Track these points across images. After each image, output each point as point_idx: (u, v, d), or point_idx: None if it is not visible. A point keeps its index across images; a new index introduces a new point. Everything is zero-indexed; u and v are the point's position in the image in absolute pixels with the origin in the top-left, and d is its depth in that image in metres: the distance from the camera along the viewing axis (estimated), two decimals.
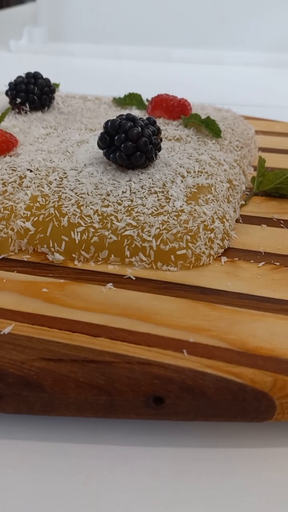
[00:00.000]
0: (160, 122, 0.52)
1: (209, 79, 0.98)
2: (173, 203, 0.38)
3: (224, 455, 0.29)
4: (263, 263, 0.37)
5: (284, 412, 0.28)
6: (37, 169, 0.42)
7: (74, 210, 0.37)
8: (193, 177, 0.41)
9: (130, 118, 0.41)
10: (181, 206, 0.37)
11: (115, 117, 0.42)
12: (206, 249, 0.37)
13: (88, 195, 0.38)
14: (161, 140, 0.42)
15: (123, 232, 0.36)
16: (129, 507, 0.26)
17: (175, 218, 0.37)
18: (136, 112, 0.56)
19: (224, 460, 0.28)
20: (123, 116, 0.41)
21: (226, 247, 0.39)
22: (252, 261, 0.37)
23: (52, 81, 0.59)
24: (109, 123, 0.41)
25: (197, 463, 0.28)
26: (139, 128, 0.40)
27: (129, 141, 0.40)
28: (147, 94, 0.58)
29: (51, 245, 0.37)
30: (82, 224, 0.37)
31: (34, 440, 0.29)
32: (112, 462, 0.28)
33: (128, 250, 0.36)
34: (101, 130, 0.42)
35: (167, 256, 0.36)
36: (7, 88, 0.56)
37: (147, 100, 0.57)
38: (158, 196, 0.38)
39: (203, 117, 0.50)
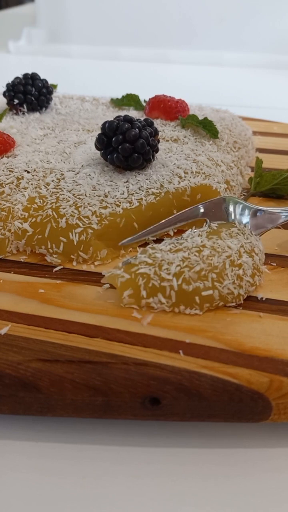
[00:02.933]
0: (157, 123, 0.52)
1: (207, 80, 0.99)
2: (192, 239, 0.34)
3: (220, 455, 0.29)
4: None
5: (280, 412, 0.28)
6: (35, 170, 0.42)
7: (72, 212, 0.37)
8: (190, 178, 0.41)
9: (127, 119, 0.41)
10: (201, 241, 0.34)
11: (112, 118, 0.42)
12: (235, 288, 0.32)
13: (86, 196, 0.39)
14: (158, 141, 0.42)
15: (136, 270, 0.32)
16: (126, 508, 0.26)
17: (197, 254, 0.33)
18: (133, 113, 0.56)
19: (221, 461, 0.28)
20: (121, 118, 0.41)
21: (258, 285, 0.34)
22: None
23: (51, 82, 0.59)
24: (107, 124, 0.41)
25: (194, 463, 0.28)
26: (137, 129, 0.40)
27: (127, 143, 0.40)
28: (145, 95, 0.58)
29: (49, 246, 0.37)
30: (80, 225, 0.37)
31: (30, 440, 0.29)
32: (109, 463, 0.28)
33: (144, 290, 0.32)
34: (99, 131, 0.42)
35: (191, 298, 0.32)
36: (4, 89, 0.56)
37: (145, 101, 0.58)
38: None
39: (200, 118, 0.50)
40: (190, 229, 0.37)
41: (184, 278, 0.32)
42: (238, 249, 0.34)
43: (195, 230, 0.36)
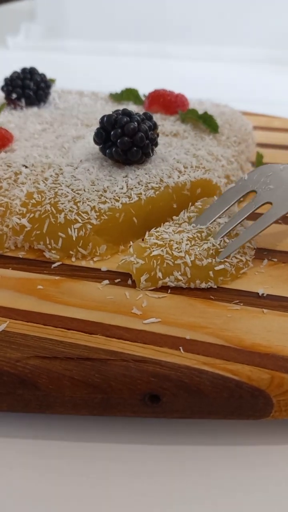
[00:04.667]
0: (157, 117, 0.51)
1: (207, 75, 0.98)
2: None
3: (221, 452, 0.28)
4: (260, 259, 0.37)
5: (282, 409, 0.28)
6: (33, 165, 0.42)
7: (71, 207, 0.37)
8: (190, 173, 0.41)
9: (126, 113, 0.40)
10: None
11: (111, 113, 0.41)
12: (241, 255, 0.35)
13: (85, 191, 0.38)
14: (157, 135, 0.42)
15: (150, 253, 0.34)
16: (125, 506, 0.26)
17: (199, 234, 0.36)
18: (133, 108, 0.55)
19: (221, 458, 0.28)
20: (119, 111, 0.41)
21: (255, 247, 0.37)
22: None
23: (49, 77, 0.58)
24: (105, 118, 0.40)
25: (195, 460, 0.28)
26: (136, 123, 0.40)
27: (126, 136, 0.39)
28: (144, 90, 0.58)
29: (47, 242, 0.37)
30: (79, 220, 0.36)
31: (29, 438, 0.29)
32: (108, 461, 0.28)
33: (160, 271, 0.33)
34: (97, 126, 0.42)
35: (205, 272, 0.34)
36: (2, 83, 0.55)
37: (144, 95, 0.57)
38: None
39: (200, 112, 0.50)
40: (182, 212, 0.39)
41: (195, 255, 0.34)
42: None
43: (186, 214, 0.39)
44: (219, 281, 0.34)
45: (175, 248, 0.34)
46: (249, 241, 0.37)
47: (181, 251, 0.34)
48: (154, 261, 0.33)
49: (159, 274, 0.33)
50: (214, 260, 0.34)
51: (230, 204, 0.38)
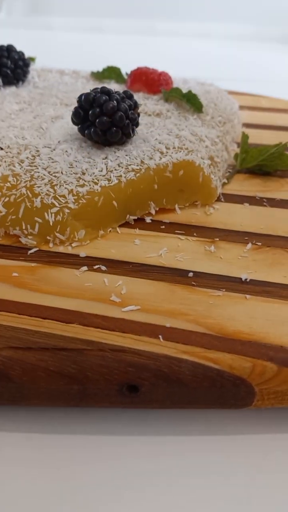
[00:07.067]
0: (139, 96, 0.50)
1: (193, 52, 0.95)
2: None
3: (203, 443, 0.28)
4: (244, 243, 0.36)
5: (264, 398, 0.27)
6: (8, 146, 0.40)
7: (48, 190, 0.35)
8: (172, 154, 0.39)
9: (105, 91, 0.39)
10: None
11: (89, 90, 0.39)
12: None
13: (62, 174, 0.37)
14: (138, 114, 0.40)
15: None
16: (102, 497, 0.25)
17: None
18: (115, 86, 0.53)
19: (203, 448, 0.27)
20: (98, 89, 0.39)
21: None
22: (233, 241, 0.36)
23: (32, 55, 0.56)
24: (83, 97, 0.38)
25: (175, 451, 0.27)
26: (115, 102, 0.38)
27: (104, 116, 0.38)
28: (130, 68, 0.56)
29: (23, 227, 0.35)
30: (56, 204, 0.35)
31: (3, 431, 0.28)
32: (84, 453, 0.27)
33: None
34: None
35: None
36: None
37: (127, 74, 0.55)
38: None
39: (184, 91, 0.48)
40: None
41: None
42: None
43: None
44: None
45: None
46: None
47: None
48: None
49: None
50: None
51: None
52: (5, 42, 0.55)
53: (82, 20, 1.16)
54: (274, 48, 1.00)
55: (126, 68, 0.56)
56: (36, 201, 0.35)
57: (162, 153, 0.39)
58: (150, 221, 0.38)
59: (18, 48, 0.55)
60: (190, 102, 0.47)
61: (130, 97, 0.40)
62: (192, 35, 1.07)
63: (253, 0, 1.13)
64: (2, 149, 0.40)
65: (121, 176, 0.37)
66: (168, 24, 1.11)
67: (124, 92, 0.40)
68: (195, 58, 0.90)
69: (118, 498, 0.25)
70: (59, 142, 0.40)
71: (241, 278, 0.32)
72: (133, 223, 0.38)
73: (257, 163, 0.45)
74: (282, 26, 1.10)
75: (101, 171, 0.37)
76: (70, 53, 0.94)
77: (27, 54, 0.56)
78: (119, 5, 1.17)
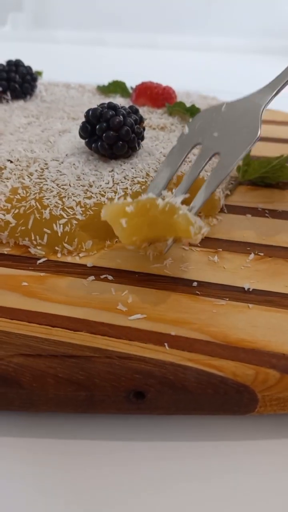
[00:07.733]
0: (144, 110, 0.51)
1: (197, 65, 0.97)
2: None
3: (206, 449, 0.28)
4: (246, 253, 0.37)
5: (266, 404, 0.28)
6: (18, 159, 0.41)
7: (56, 202, 0.36)
8: None
9: (111, 106, 0.40)
10: None
11: (97, 106, 0.41)
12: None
13: (70, 186, 0.38)
14: (144, 129, 0.41)
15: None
16: (108, 502, 0.26)
17: None
18: (120, 100, 0.55)
19: (207, 454, 0.28)
20: (105, 105, 0.40)
21: None
22: (236, 251, 0.37)
23: (37, 68, 0.57)
24: (90, 112, 0.40)
25: (179, 457, 0.28)
26: (121, 116, 0.39)
27: (111, 130, 0.39)
28: (132, 82, 0.57)
29: (33, 238, 0.36)
30: (65, 216, 0.36)
31: (13, 436, 0.29)
32: (92, 458, 0.28)
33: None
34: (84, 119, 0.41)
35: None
36: None
37: (132, 88, 0.56)
38: None
39: (188, 105, 0.50)
40: None
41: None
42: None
43: None
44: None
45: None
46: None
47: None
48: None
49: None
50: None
51: (177, 166, 0.36)
52: (10, 55, 0.57)
53: (86, 34, 1.18)
54: (276, 61, 1.02)
55: (129, 81, 0.58)
56: (45, 212, 0.36)
57: None
58: None
59: (24, 61, 0.56)
60: (194, 116, 0.48)
61: (136, 112, 0.41)
62: (194, 48, 1.09)
63: (255, 13, 1.15)
64: (11, 162, 0.41)
65: (127, 188, 0.38)
66: (170, 37, 1.13)
67: (130, 107, 0.41)
68: (198, 71, 0.91)
69: (124, 502, 0.26)
70: (66, 155, 0.42)
71: (244, 288, 0.33)
72: None
73: (259, 175, 0.46)
74: (284, 39, 1.11)
75: (108, 183, 0.38)
76: (74, 66, 0.96)
77: (32, 67, 0.58)
78: (122, 18, 1.19)
